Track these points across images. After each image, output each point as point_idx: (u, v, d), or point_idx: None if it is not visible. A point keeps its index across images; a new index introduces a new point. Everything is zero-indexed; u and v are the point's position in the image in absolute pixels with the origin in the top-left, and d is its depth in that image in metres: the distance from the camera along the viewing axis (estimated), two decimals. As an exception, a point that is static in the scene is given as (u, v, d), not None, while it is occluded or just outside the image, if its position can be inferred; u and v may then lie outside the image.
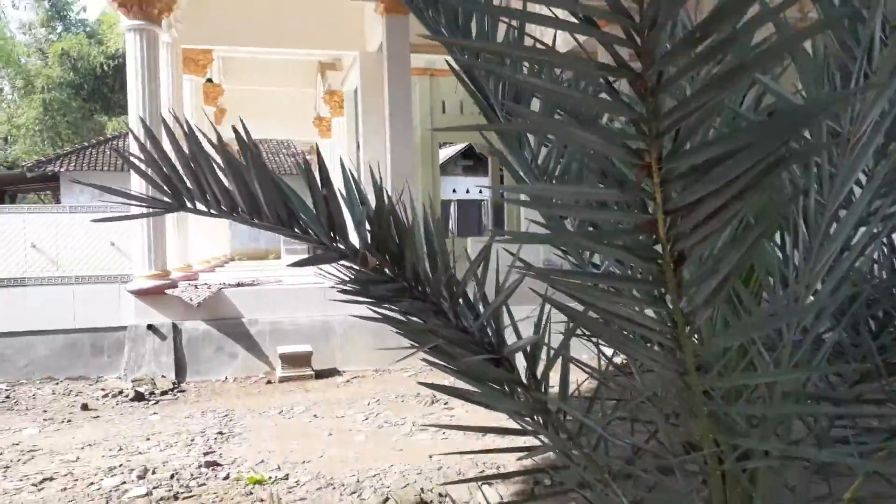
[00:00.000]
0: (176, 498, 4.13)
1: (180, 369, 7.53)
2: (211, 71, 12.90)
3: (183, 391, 7.14)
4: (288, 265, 1.63)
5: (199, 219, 9.88)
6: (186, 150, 1.54)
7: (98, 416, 6.17)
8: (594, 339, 1.62)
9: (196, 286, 7.88)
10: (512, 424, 1.62)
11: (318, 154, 17.95)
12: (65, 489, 4.32)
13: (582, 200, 1.43)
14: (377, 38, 9.95)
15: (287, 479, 4.46)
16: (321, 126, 15.75)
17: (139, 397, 6.73)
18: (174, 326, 7.60)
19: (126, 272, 8.07)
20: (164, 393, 6.97)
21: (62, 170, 19.11)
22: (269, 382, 7.42)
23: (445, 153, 24.25)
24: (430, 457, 4.77)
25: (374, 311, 2.77)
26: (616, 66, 0.90)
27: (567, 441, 1.87)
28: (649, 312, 1.41)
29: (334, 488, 4.28)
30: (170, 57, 9.24)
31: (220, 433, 5.49)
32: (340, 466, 4.66)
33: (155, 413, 6.26)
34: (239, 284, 8.25)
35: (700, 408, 1.58)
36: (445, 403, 6.24)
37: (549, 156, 2.09)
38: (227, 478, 4.48)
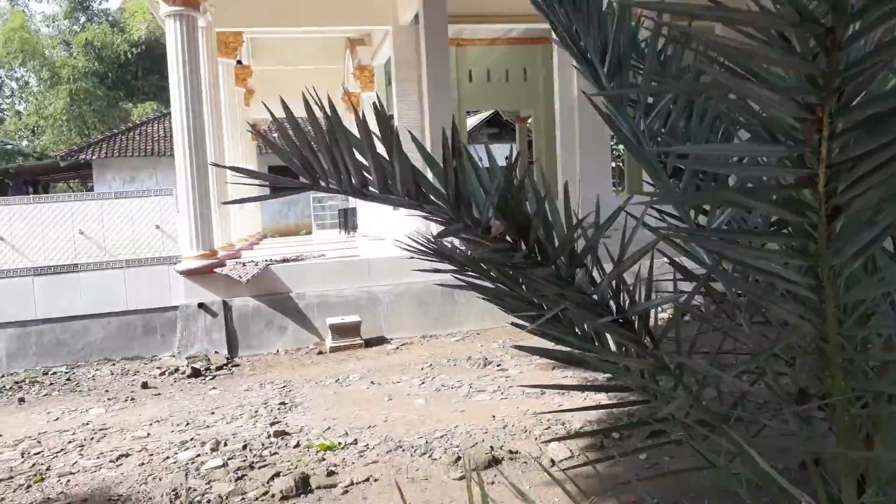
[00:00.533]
0: (252, 467, 4.23)
1: (232, 345, 7.67)
2: (240, 53, 12.89)
3: (237, 365, 7.28)
4: (435, 236, 1.63)
5: (226, 197, 9.98)
6: (324, 130, 1.55)
7: (159, 394, 6.32)
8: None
9: (244, 264, 7.99)
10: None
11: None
12: (142, 464, 4.45)
13: (740, 158, 1.41)
14: (410, 11, 9.85)
15: (356, 443, 4.55)
16: (349, 101, 15.67)
17: (196, 373, 6.87)
18: (224, 304, 7.72)
19: (172, 254, 8.19)
20: (219, 368, 7.11)
21: (94, 157, 19.35)
22: (320, 353, 7.53)
23: (472, 121, 24.07)
24: (494, 416, 4.83)
25: (460, 280, 2.79)
26: (801, 20, 0.88)
27: (688, 395, 1.87)
28: (791, 266, 1.40)
29: (404, 450, 4.36)
30: (205, 41, 9.25)
31: (283, 403, 5.61)
32: (406, 429, 4.73)
33: (214, 388, 6.40)
34: (285, 260, 8.34)
35: (836, 356, 1.57)
36: (498, 366, 6.29)
37: (656, 117, 2.06)
38: (297, 446, 4.58)
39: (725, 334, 1.89)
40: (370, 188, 1.64)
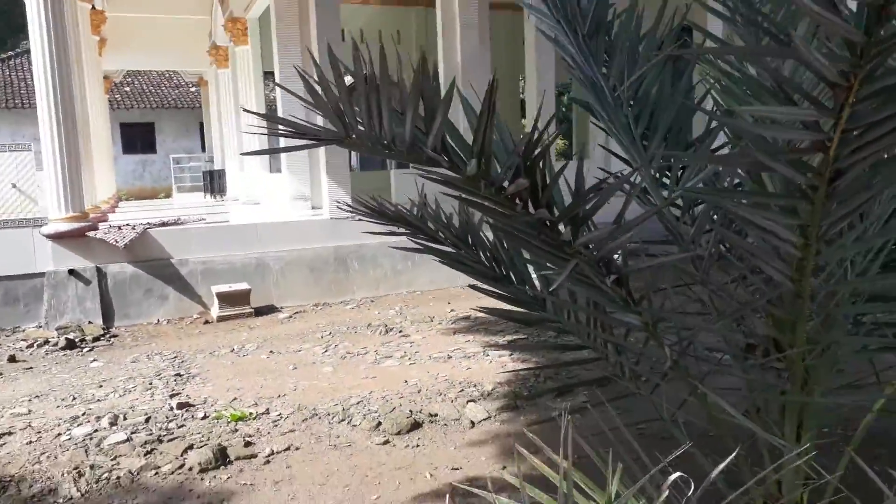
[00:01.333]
0: (160, 441, 4.03)
1: (108, 314, 7.16)
2: (95, -5, 11.78)
3: (115, 336, 6.82)
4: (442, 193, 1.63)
5: (90, 156, 9.22)
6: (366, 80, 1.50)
7: (31, 368, 5.81)
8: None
9: (119, 227, 7.43)
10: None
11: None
12: (30, 442, 4.10)
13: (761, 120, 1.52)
14: (293, -41, 9.44)
15: (268, 413, 4.44)
16: (217, 56, 14.85)
17: (71, 345, 6.37)
18: (98, 270, 7.17)
19: (36, 216, 7.47)
20: (95, 339, 6.63)
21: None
22: (206, 322, 7.21)
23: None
24: (406, 381, 4.89)
25: (418, 243, 2.78)
26: None
27: (667, 349, 2.02)
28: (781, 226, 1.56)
29: (320, 418, 4.32)
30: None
31: (179, 374, 5.34)
32: (318, 397, 4.68)
33: (95, 360, 5.97)
34: (164, 224, 7.85)
35: (804, 309, 1.76)
36: (400, 332, 6.34)
37: (630, 88, 2.15)
38: (205, 417, 4.41)
39: (708, 293, 2.05)
40: (397, 143, 1.63)
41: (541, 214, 1.66)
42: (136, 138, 23.36)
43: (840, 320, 1.97)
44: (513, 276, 2.65)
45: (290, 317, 7.34)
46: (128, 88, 24.11)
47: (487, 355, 5.39)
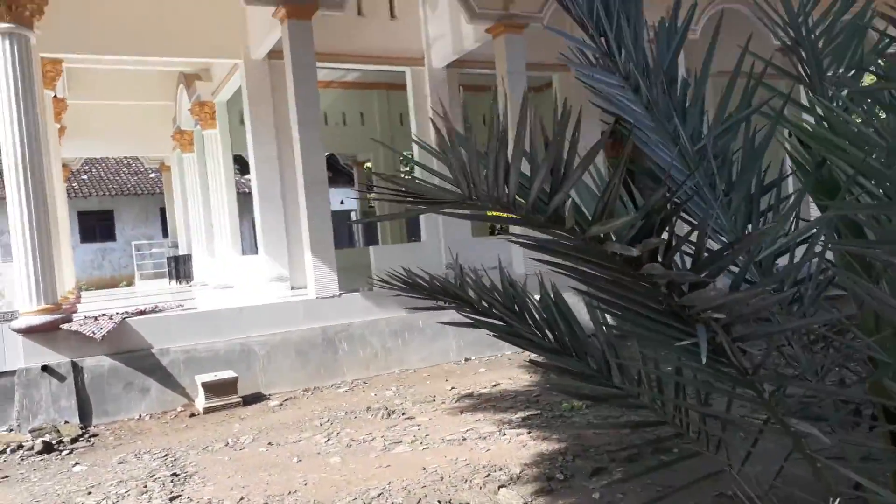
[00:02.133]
0: (169, 551, 3.65)
1: (85, 412, 6.70)
2: (57, 84, 11.60)
3: (95, 435, 6.35)
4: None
5: (58, 246, 8.85)
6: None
7: (7, 476, 5.32)
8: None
9: (95, 318, 7.04)
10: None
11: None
12: (19, 563, 3.68)
13: None
14: (265, 45, 9.49)
15: (281, 512, 4.11)
16: (182, 140, 14.72)
17: (48, 448, 5.89)
18: (73, 365, 6.74)
19: (1, 309, 7.05)
20: (74, 440, 6.15)
21: None
22: (192, 415, 6.79)
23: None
24: (424, 469, 4.60)
25: (471, 319, 2.62)
26: None
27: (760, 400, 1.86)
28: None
29: (340, 515, 4.00)
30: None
31: (174, 475, 4.94)
32: (333, 491, 4.36)
33: (77, 463, 5.51)
34: (142, 312, 7.49)
35: None
36: (403, 414, 6.05)
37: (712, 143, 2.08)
38: (213, 521, 4.04)
39: (839, 353, 1.91)
40: (515, 205, 1.50)
41: (674, 275, 1.53)
42: (94, 226, 22.85)
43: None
44: (572, 348, 2.50)
45: (281, 404, 6.97)
46: (85, 176, 23.72)
47: (504, 434, 5.15)
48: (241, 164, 20.18)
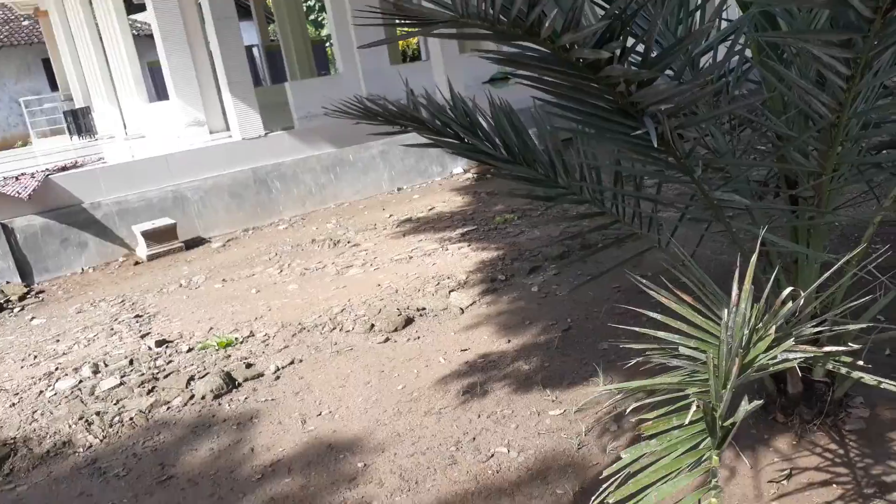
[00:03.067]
0: (156, 378, 3.97)
1: (25, 272, 6.69)
2: None
3: (42, 292, 6.41)
4: None
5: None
6: None
7: (-36, 336, 5.41)
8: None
9: (16, 178, 6.81)
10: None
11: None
12: (13, 405, 3.92)
13: None
14: None
15: (253, 335, 4.45)
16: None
17: (-1, 307, 5.96)
18: (3, 227, 6.61)
19: None
20: (21, 298, 6.21)
21: None
22: (136, 263, 6.90)
23: None
24: (379, 285, 4.99)
25: (431, 139, 2.85)
26: None
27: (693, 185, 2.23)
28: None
29: (309, 331, 4.38)
30: None
31: (138, 316, 5.17)
32: (297, 313, 4.71)
33: (34, 317, 5.63)
34: (64, 168, 7.27)
35: (839, 137, 2.01)
36: (349, 242, 6.37)
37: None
38: (190, 350, 4.35)
39: (752, 124, 2.26)
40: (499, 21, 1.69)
41: (627, 73, 1.78)
42: (-30, 85, 20.87)
43: (849, 150, 2.26)
44: (522, 157, 2.78)
45: (224, 245, 7.15)
46: (-54, 28, 21.24)
47: (447, 249, 5.56)
48: (127, 4, 18.52)
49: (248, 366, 3.97)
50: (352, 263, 5.66)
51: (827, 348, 1.60)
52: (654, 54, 1.82)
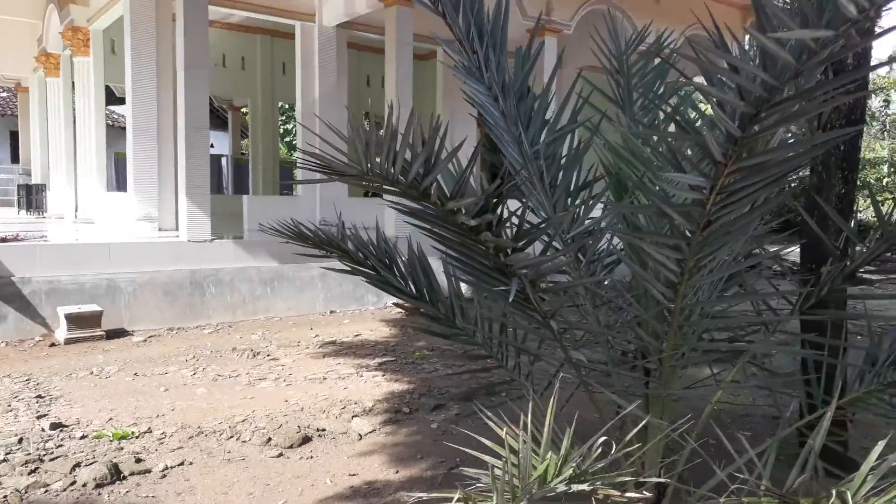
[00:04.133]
0: (41, 460, 3.95)
1: (-66, 335, 6.57)
2: None
3: (-54, 359, 6.28)
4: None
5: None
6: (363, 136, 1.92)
7: None
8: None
9: (-48, 241, 6.86)
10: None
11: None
12: None
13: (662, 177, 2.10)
14: (154, -20, 9.32)
15: (151, 432, 4.47)
16: (48, 63, 13.92)
17: None
18: (-76, 287, 6.57)
19: None
20: (-77, 362, 6.08)
21: None
22: (52, 345, 6.84)
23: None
24: (287, 401, 5.10)
25: (352, 267, 3.18)
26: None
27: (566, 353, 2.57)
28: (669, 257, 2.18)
29: (207, 435, 4.43)
30: None
31: (39, 396, 5.13)
32: (200, 416, 4.77)
33: (-69, 383, 5.51)
34: (3, 239, 7.34)
35: (676, 322, 2.40)
36: (269, 356, 6.48)
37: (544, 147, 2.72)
38: (84, 437, 4.34)
39: (598, 307, 2.63)
40: (397, 181, 2.06)
41: (499, 242, 2.15)
42: (-69, 143, 20.85)
43: (692, 333, 2.64)
44: (428, 295, 3.11)
45: (146, 340, 7.16)
46: None
47: (362, 376, 5.74)
48: (108, 95, 19.19)
49: (138, 460, 3.99)
50: (266, 376, 5.77)
51: (629, 494, 1.87)
52: (525, 228, 2.21)
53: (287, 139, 30.43)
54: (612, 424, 2.67)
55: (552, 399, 1.86)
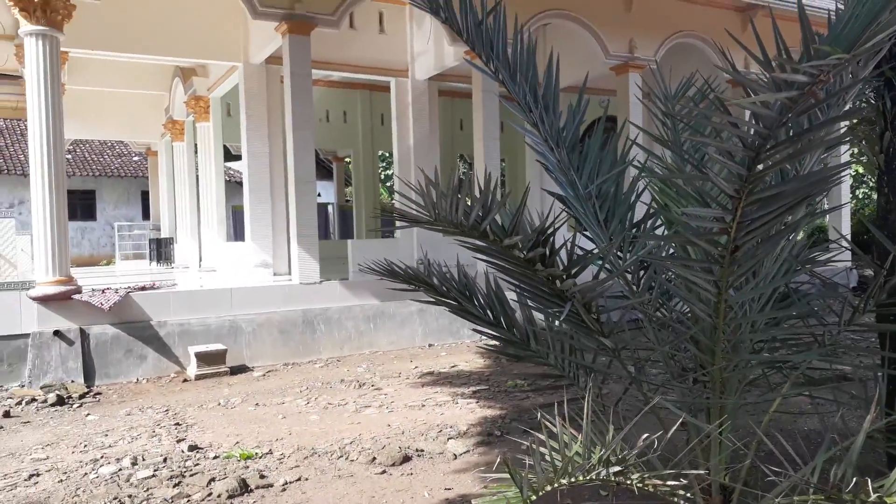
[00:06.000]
0: (183, 475, 4.59)
1: (89, 374, 7.55)
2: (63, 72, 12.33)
3: (99, 394, 7.22)
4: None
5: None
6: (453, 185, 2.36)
7: (28, 422, 6.18)
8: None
9: (103, 291, 7.89)
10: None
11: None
12: (60, 481, 4.58)
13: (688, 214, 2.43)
14: (265, 51, 10.37)
15: (272, 453, 5.06)
16: (174, 129, 15.52)
17: (61, 401, 6.75)
18: (81, 331, 7.59)
19: (12, 279, 7.87)
20: (81, 397, 7.02)
21: None
22: (185, 381, 7.69)
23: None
24: (389, 426, 5.59)
25: (436, 299, 3.60)
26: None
27: (628, 370, 2.89)
28: (705, 279, 2.48)
29: (319, 456, 4.96)
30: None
31: (177, 424, 5.86)
32: (313, 439, 5.32)
33: (89, 414, 6.39)
34: (143, 288, 8.35)
35: (721, 338, 2.68)
36: (373, 386, 7.03)
37: (596, 188, 3.09)
38: (216, 457, 4.98)
39: (658, 328, 2.95)
40: (461, 224, 2.48)
41: (551, 272, 2.54)
42: (77, 205, 23.34)
43: (742, 347, 2.90)
44: (503, 322, 3.50)
45: (265, 375, 7.90)
46: (69, 156, 24.18)
47: (457, 403, 6.16)
48: (225, 154, 21.02)
49: (262, 476, 4.56)
50: (370, 404, 6.29)
51: (671, 483, 2.19)
52: (575, 258, 2.58)
53: (388, 184, 31.77)
54: (678, 436, 2.93)
55: (587, 391, 2.21)
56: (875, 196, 4.14)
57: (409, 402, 6.30)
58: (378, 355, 8.86)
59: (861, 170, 17.87)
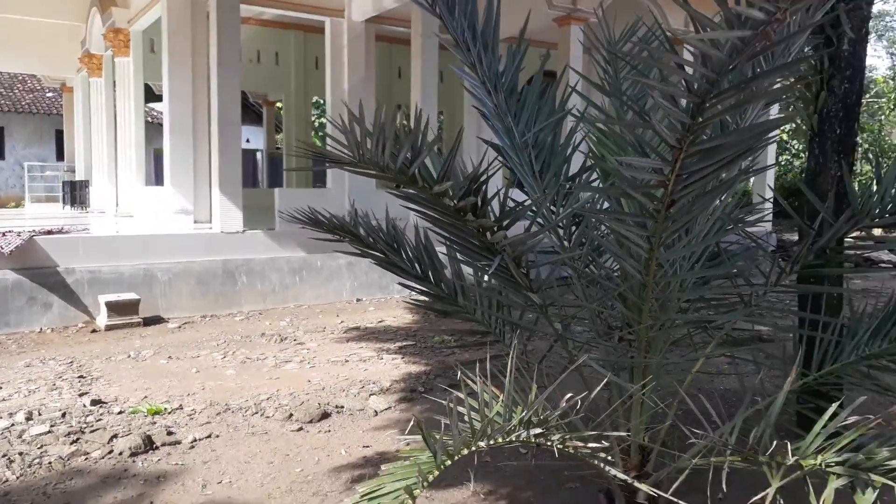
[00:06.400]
0: (83, 432, 4.28)
1: (-14, 322, 7.03)
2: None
3: (-2, 343, 6.73)
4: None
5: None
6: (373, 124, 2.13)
7: (-88, 372, 5.69)
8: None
9: (3, 233, 7.30)
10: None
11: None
12: (-57, 436, 4.21)
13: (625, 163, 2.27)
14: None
15: (182, 408, 4.79)
16: (91, 64, 14.49)
17: (-48, 351, 6.25)
18: (-23, 276, 7.03)
19: None
20: (-24, 346, 6.53)
21: None
22: (94, 331, 7.25)
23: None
24: (309, 381, 5.38)
25: (362, 251, 3.39)
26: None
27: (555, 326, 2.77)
28: (636, 234, 2.36)
29: (233, 412, 4.73)
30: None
31: (81, 377, 5.50)
32: (227, 395, 5.07)
33: (-17, 365, 5.94)
34: (49, 232, 7.78)
35: (649, 296, 2.58)
36: (295, 340, 6.79)
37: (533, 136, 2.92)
38: (121, 412, 4.68)
39: (587, 285, 2.82)
40: (388, 168, 2.27)
41: (482, 222, 2.36)
42: (-19, 143, 21.78)
43: (670, 306, 2.81)
44: (432, 276, 3.32)
45: (180, 327, 7.54)
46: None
47: (382, 359, 6.00)
48: (147, 93, 19.84)
49: (170, 433, 4.30)
50: (291, 359, 6.06)
51: (592, 444, 2.07)
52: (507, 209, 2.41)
53: (322, 133, 30.92)
54: (600, 395, 2.84)
55: (511, 352, 2.07)
56: (796, 163, 4.13)
57: (332, 357, 6.10)
58: (303, 309, 8.59)
59: (785, 137, 18.43)
